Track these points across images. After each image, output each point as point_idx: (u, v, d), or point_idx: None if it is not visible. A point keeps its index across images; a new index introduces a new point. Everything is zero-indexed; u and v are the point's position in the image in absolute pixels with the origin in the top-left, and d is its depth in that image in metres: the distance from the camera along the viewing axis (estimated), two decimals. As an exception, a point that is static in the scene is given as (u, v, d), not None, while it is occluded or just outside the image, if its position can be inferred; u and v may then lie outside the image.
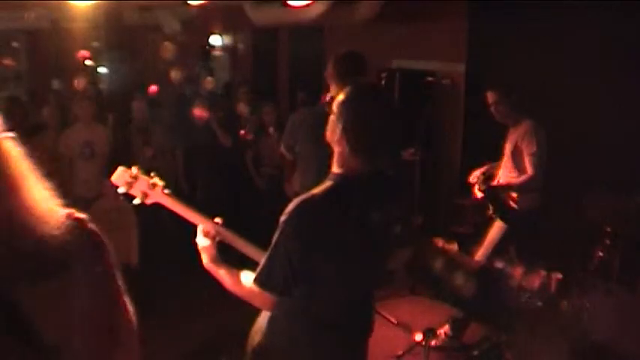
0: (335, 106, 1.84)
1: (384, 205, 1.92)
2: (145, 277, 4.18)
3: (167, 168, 5.40)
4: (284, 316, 1.92)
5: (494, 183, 3.95)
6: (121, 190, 1.97)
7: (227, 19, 7.92)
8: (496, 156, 4.13)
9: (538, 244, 3.90)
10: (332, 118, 1.85)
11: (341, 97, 1.83)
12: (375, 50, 6.41)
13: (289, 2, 5.49)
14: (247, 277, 1.87)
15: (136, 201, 2.00)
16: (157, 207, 2.03)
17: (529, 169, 3.74)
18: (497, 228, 3.99)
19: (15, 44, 8.41)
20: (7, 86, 7.93)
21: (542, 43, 4.55)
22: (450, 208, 5.66)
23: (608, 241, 3.67)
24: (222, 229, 2.02)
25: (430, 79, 5.29)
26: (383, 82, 5.44)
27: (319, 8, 5.72)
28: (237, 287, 1.89)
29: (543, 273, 3.99)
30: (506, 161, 3.94)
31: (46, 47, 7.80)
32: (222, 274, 1.94)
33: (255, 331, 2.05)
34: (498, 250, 3.88)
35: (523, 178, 3.78)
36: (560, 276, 4.04)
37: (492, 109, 3.91)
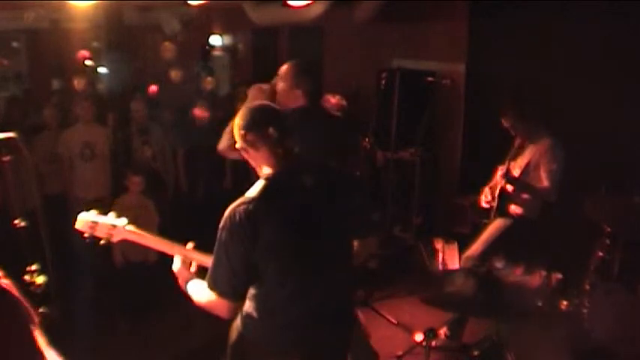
0: (234, 131, 2.03)
1: (323, 194, 1.99)
2: (160, 275, 4.20)
3: (167, 168, 5.39)
4: (255, 312, 1.96)
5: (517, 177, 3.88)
6: (86, 235, 2.14)
7: (227, 19, 7.92)
8: (495, 155, 4.12)
9: (538, 244, 3.90)
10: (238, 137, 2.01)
11: (238, 117, 2.03)
12: (375, 50, 6.43)
13: (289, 2, 5.49)
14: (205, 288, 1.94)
15: (103, 242, 2.15)
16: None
17: (545, 182, 3.73)
18: (496, 226, 3.99)
19: (15, 44, 8.40)
20: (7, 86, 7.92)
21: (543, 43, 4.55)
22: (450, 208, 5.66)
23: (608, 241, 3.67)
24: (192, 253, 2.10)
25: (430, 79, 5.29)
26: (383, 82, 5.44)
27: (319, 8, 5.71)
28: (200, 298, 1.96)
29: (543, 273, 3.99)
30: (520, 174, 3.90)
31: (46, 47, 7.78)
32: (190, 291, 2.02)
33: (231, 330, 2.09)
34: (491, 254, 3.89)
35: (540, 187, 3.77)
36: (560, 276, 4.04)
37: (511, 132, 3.92)
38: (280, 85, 2.97)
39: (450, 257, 5.01)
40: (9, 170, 2.63)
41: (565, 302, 3.83)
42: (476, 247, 4.01)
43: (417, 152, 5.23)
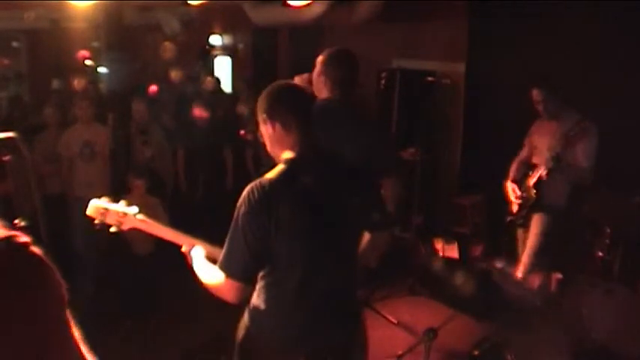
0: (259, 104, 1.99)
1: (340, 184, 1.99)
2: (161, 274, 4.20)
3: (167, 168, 5.39)
4: (263, 304, 1.95)
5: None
6: (97, 221, 2.12)
7: (227, 19, 7.92)
8: (495, 155, 4.12)
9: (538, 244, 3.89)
10: (260, 117, 1.99)
11: (263, 94, 2.00)
12: (375, 50, 6.42)
13: (289, 2, 5.49)
14: (216, 271, 1.94)
15: (113, 229, 2.13)
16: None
17: (584, 162, 3.61)
18: (538, 230, 3.85)
19: (15, 44, 8.40)
20: (8, 86, 7.92)
21: (542, 43, 4.55)
22: (450, 208, 5.67)
23: (608, 241, 3.66)
24: (200, 244, 2.10)
25: (430, 79, 5.29)
26: (383, 82, 5.44)
27: (319, 8, 5.71)
28: (210, 280, 1.95)
29: (543, 273, 3.99)
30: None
31: (46, 47, 7.78)
32: (200, 273, 2.02)
33: (239, 327, 2.08)
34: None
35: (579, 167, 3.63)
36: (560, 276, 4.04)
37: (539, 107, 3.81)
38: (314, 73, 2.80)
39: (449, 257, 5.02)
40: (9, 170, 2.63)
41: (565, 302, 3.83)
42: (525, 261, 3.92)
43: (417, 152, 5.23)
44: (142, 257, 4.22)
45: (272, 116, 1.95)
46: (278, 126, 1.94)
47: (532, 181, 3.82)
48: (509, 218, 4.06)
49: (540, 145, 3.86)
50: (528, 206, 3.89)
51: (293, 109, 1.95)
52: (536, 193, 3.81)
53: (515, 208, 4.00)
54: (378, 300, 4.48)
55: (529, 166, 3.95)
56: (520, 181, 3.99)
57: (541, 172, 3.73)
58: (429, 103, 5.28)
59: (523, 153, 4.09)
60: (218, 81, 6.95)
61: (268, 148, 2.03)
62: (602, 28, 4.17)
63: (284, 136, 1.94)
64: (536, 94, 3.83)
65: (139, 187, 4.20)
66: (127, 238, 4.16)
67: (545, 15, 4.52)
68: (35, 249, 0.97)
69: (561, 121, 3.75)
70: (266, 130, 1.99)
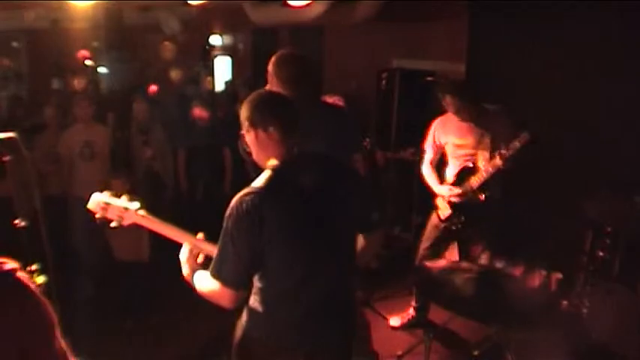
0: (242, 112, 2.01)
1: (329, 187, 1.99)
2: (154, 275, 4.20)
3: (167, 168, 5.39)
4: (259, 306, 1.95)
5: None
6: (98, 215, 2.12)
7: (227, 19, 7.91)
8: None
9: (537, 244, 3.90)
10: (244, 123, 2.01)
11: (245, 103, 2.01)
12: (375, 50, 6.43)
13: (289, 2, 5.49)
14: (209, 278, 1.93)
15: (114, 224, 2.13)
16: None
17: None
18: None
19: (15, 44, 8.41)
20: (8, 86, 7.92)
21: (543, 43, 4.55)
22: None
23: (608, 241, 3.67)
24: (200, 243, 2.08)
25: (430, 79, 5.29)
26: (383, 82, 5.43)
27: (319, 8, 5.71)
28: (204, 287, 1.95)
29: (543, 273, 4.00)
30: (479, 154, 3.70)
31: (46, 47, 7.79)
32: (195, 280, 2.01)
33: (237, 327, 2.09)
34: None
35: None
36: (560, 276, 4.04)
37: (457, 115, 3.74)
38: None
39: (450, 257, 5.01)
40: (9, 170, 2.63)
41: (565, 302, 3.83)
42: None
43: (417, 152, 5.22)
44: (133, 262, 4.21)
45: (255, 124, 1.96)
46: (261, 133, 1.95)
47: (477, 183, 3.71)
48: (442, 225, 3.97)
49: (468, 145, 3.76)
50: (471, 209, 3.79)
51: (275, 116, 1.95)
52: (483, 195, 3.73)
53: (446, 213, 3.93)
54: (378, 300, 4.48)
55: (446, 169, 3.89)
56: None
57: (488, 173, 3.62)
58: (429, 103, 5.26)
59: (430, 156, 4.00)
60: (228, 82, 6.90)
61: (254, 155, 2.03)
62: (603, 29, 4.17)
63: (268, 143, 1.95)
64: (449, 102, 3.72)
65: (117, 186, 4.16)
66: (112, 245, 4.17)
67: (545, 15, 4.52)
68: (21, 275, 0.97)
69: (484, 121, 3.67)
70: (250, 138, 2.00)
